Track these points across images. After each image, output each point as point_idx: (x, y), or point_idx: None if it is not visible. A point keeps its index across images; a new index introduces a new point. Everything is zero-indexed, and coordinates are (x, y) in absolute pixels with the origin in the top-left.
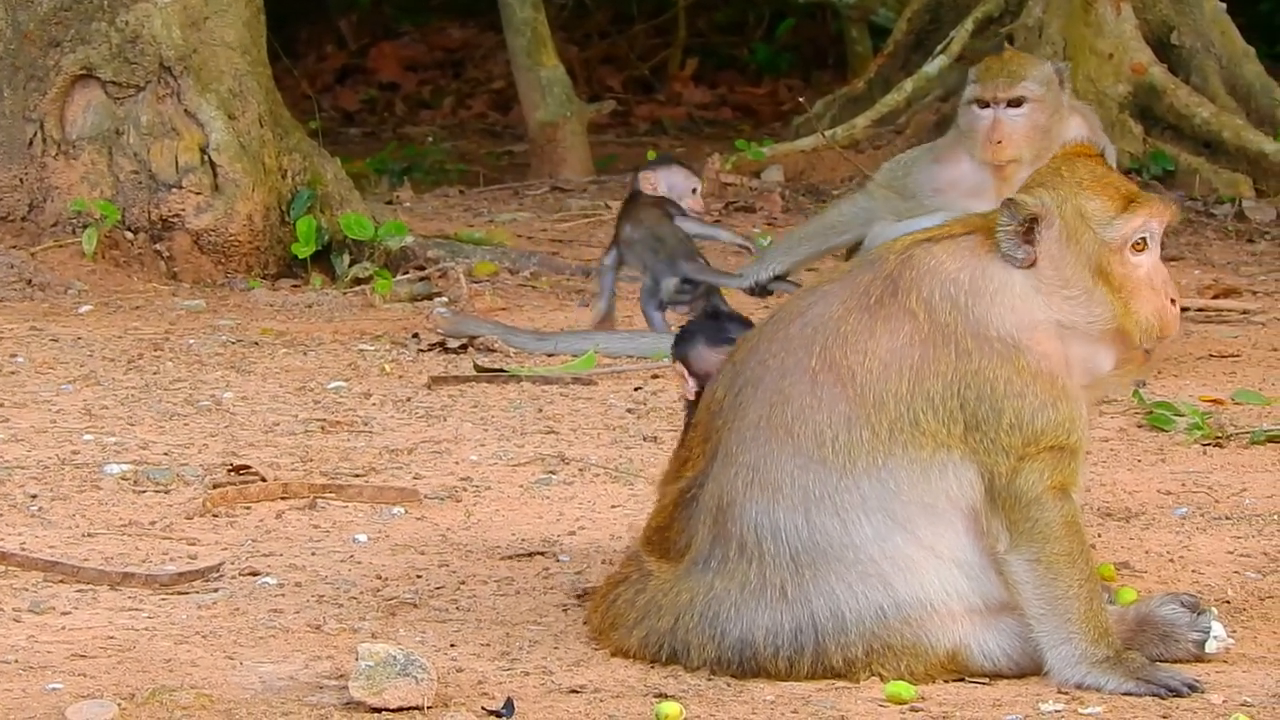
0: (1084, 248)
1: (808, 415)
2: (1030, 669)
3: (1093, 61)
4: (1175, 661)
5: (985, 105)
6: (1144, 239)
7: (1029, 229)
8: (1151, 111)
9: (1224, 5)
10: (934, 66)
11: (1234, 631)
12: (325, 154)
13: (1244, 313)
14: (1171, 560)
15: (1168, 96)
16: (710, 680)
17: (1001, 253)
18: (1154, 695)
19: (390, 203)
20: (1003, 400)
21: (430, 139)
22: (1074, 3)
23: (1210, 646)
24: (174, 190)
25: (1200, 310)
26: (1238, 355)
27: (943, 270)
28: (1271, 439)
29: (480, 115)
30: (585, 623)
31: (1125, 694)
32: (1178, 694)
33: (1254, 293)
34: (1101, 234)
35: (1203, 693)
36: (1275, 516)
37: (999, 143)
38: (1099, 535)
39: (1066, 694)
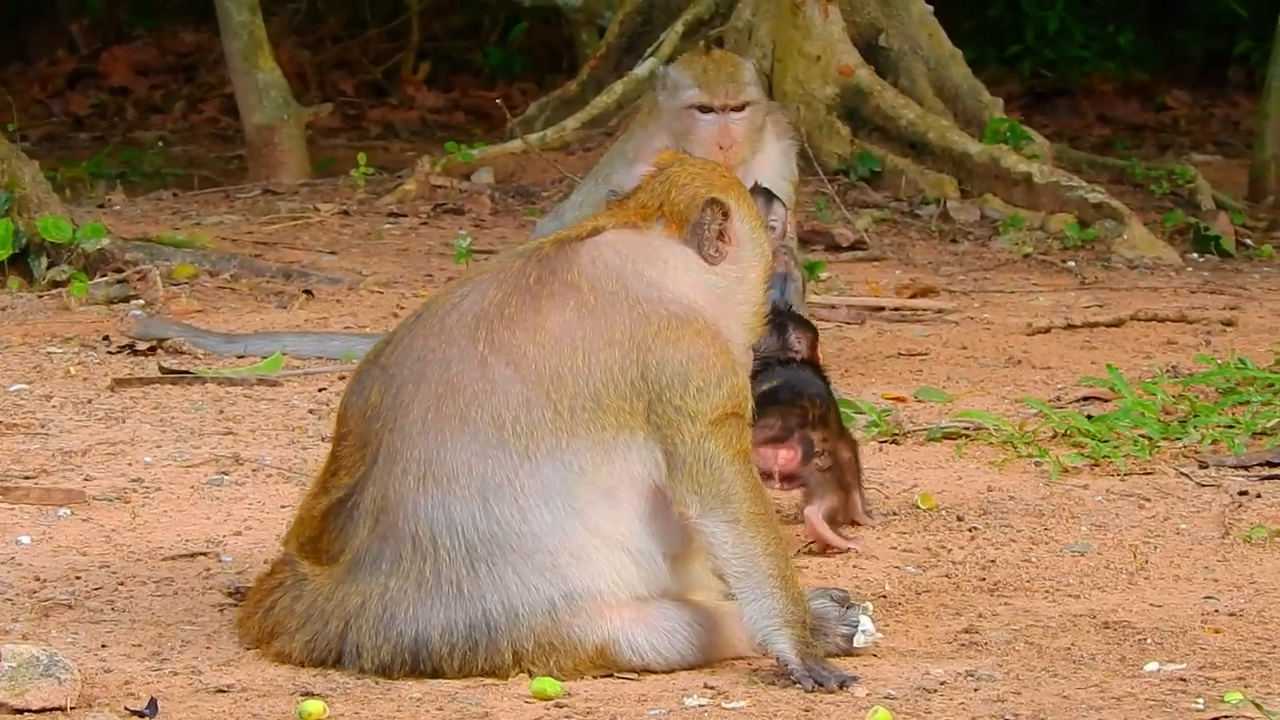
0: (761, 244)
1: (482, 401)
2: (679, 664)
3: (801, 64)
4: (826, 656)
5: (709, 110)
6: None
7: (723, 228)
8: (859, 113)
9: (931, 8)
10: (644, 68)
11: (886, 626)
12: (23, 157)
13: (938, 312)
14: (834, 555)
15: (874, 98)
16: (359, 679)
17: (701, 253)
18: (801, 686)
19: (102, 206)
20: (688, 363)
21: (160, 143)
22: (782, 5)
23: (858, 641)
24: None
25: (896, 310)
26: (926, 354)
27: (603, 247)
28: (947, 435)
29: (212, 119)
30: (239, 628)
31: (789, 671)
32: (826, 689)
33: (951, 292)
34: (766, 232)
35: (850, 689)
36: (942, 512)
37: (729, 147)
38: None
39: (712, 689)
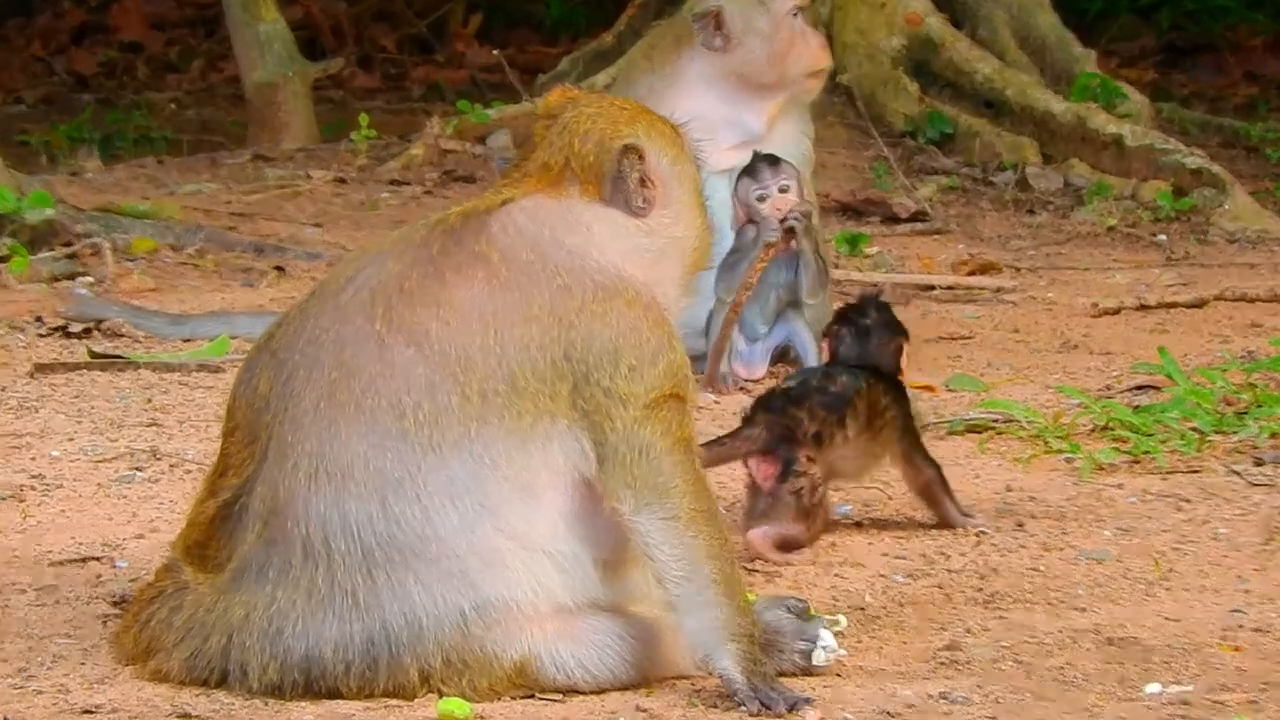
0: (689, 177)
1: (380, 385)
2: (611, 684)
3: (863, 11)
4: (781, 675)
5: (795, 14)
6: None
7: (643, 174)
8: (928, 67)
9: None
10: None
11: (858, 642)
12: None
13: (996, 290)
14: (814, 562)
15: (946, 50)
16: (246, 700)
17: (628, 209)
18: (746, 708)
19: (75, 174)
20: (618, 339)
21: (173, 105)
22: None
23: (818, 658)
24: None
25: (949, 288)
26: (971, 337)
27: (515, 214)
28: (971, 429)
29: (233, 78)
30: (115, 642)
31: (733, 691)
32: (774, 712)
33: (1016, 268)
34: (695, 160)
35: (801, 712)
36: None
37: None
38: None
39: (645, 711)
